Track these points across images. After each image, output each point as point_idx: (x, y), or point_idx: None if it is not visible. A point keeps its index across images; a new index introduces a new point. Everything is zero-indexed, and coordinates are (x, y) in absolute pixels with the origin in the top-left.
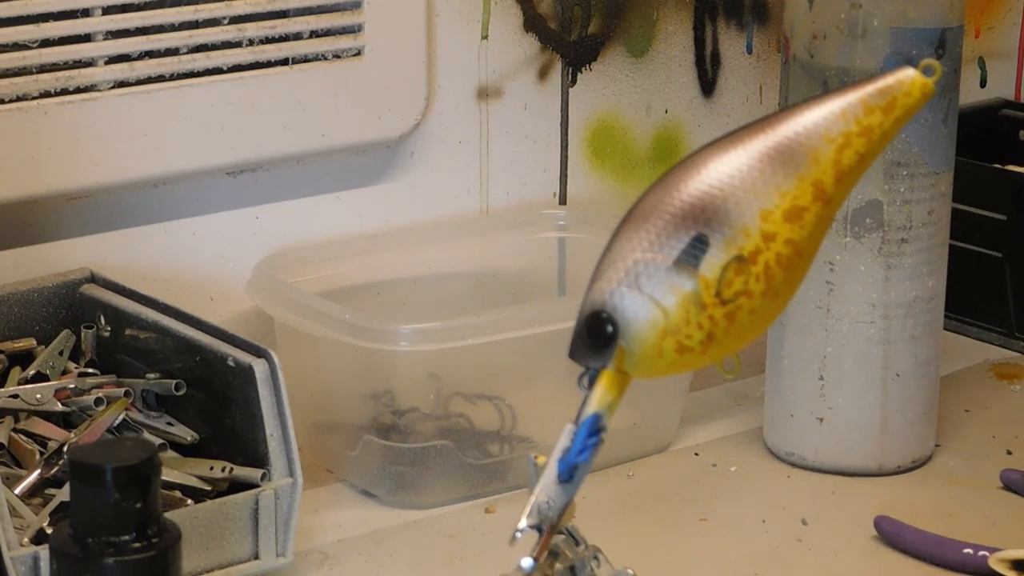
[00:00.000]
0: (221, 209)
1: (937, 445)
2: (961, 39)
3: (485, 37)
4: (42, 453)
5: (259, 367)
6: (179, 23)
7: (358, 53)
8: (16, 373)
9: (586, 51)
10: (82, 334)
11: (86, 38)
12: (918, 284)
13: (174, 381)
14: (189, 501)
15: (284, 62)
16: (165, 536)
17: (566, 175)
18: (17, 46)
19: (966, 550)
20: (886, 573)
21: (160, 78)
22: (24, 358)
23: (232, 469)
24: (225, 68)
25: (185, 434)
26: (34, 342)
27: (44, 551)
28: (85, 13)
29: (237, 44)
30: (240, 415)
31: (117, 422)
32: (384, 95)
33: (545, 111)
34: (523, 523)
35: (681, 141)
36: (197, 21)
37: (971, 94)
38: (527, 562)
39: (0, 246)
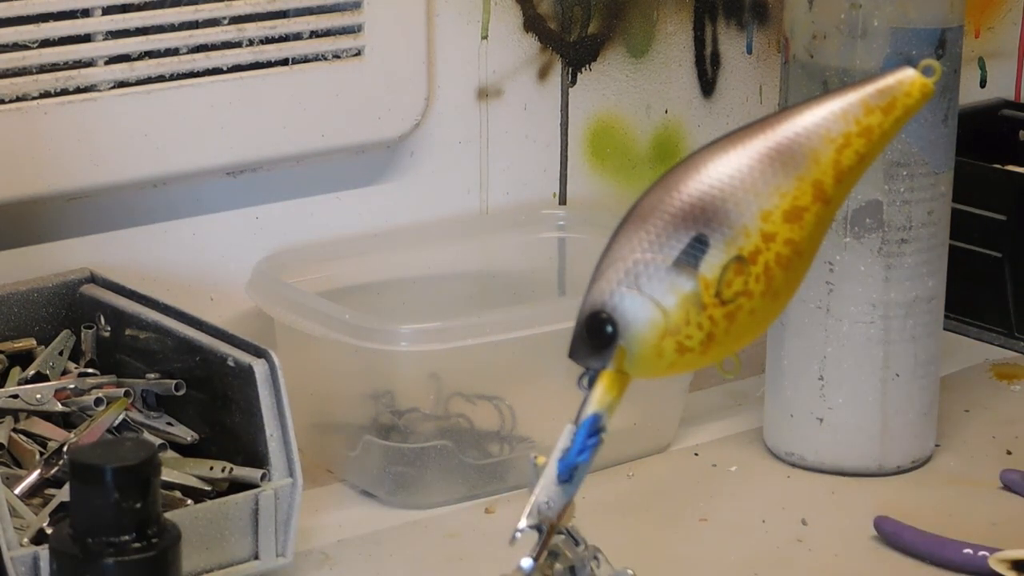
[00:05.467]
0: (221, 209)
1: (937, 445)
2: (961, 39)
3: (485, 37)
4: (42, 453)
5: (259, 367)
6: (179, 23)
7: (358, 53)
8: (16, 373)
9: (586, 51)
10: (82, 334)
11: (86, 38)
12: (918, 284)
13: (174, 381)
14: (189, 501)
15: (284, 62)
16: (165, 536)
17: (566, 175)
18: (17, 46)
19: (966, 550)
20: (886, 573)
21: (160, 78)
22: (24, 358)
23: (232, 469)
24: (225, 68)
25: (185, 434)
26: (34, 342)
27: (44, 551)
28: (85, 13)
29: (237, 44)
30: (240, 415)
31: (117, 422)
32: (384, 95)
33: (545, 111)
34: (523, 523)
35: (681, 141)
36: (197, 21)
37: (971, 94)
38: (527, 562)
39: (0, 246)
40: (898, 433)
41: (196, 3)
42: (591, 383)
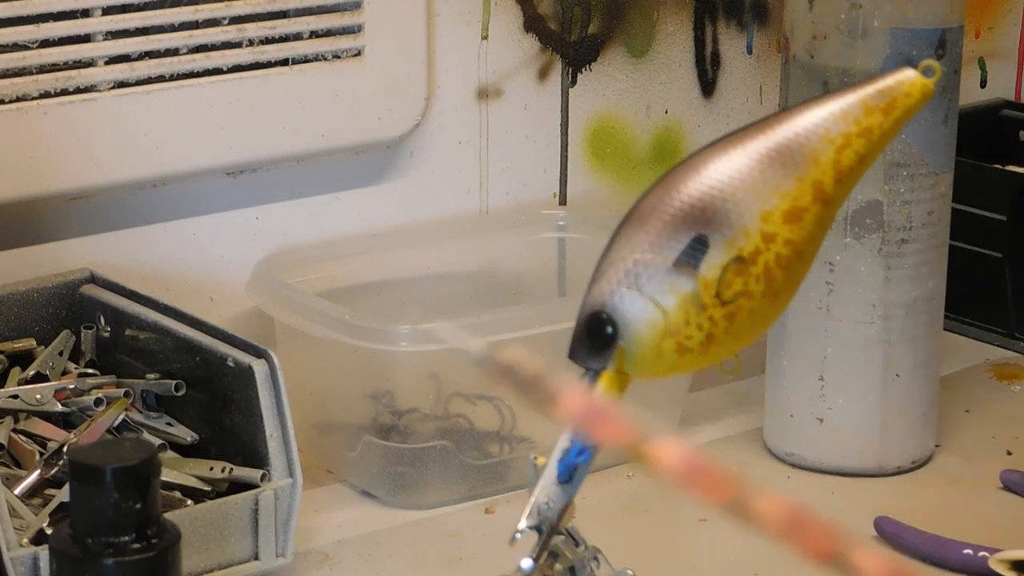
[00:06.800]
0: (221, 209)
1: (937, 445)
2: (961, 39)
3: (485, 37)
4: (42, 454)
5: (259, 367)
6: (179, 23)
7: (358, 53)
8: (16, 373)
9: (586, 51)
10: (82, 334)
11: (86, 38)
12: (918, 284)
13: (174, 381)
14: (189, 501)
15: (284, 62)
16: (165, 537)
17: (566, 175)
18: (17, 46)
19: (966, 550)
20: None
21: (160, 78)
22: (24, 358)
23: (232, 469)
24: (225, 68)
25: (185, 434)
26: (34, 342)
27: (44, 551)
28: (85, 13)
29: (237, 44)
30: (240, 415)
31: (117, 422)
32: (384, 95)
33: (545, 111)
34: (523, 524)
35: (681, 141)
36: (197, 21)
37: (971, 94)
38: (527, 563)
39: (0, 246)
40: (898, 433)
41: (196, 3)
42: (591, 384)
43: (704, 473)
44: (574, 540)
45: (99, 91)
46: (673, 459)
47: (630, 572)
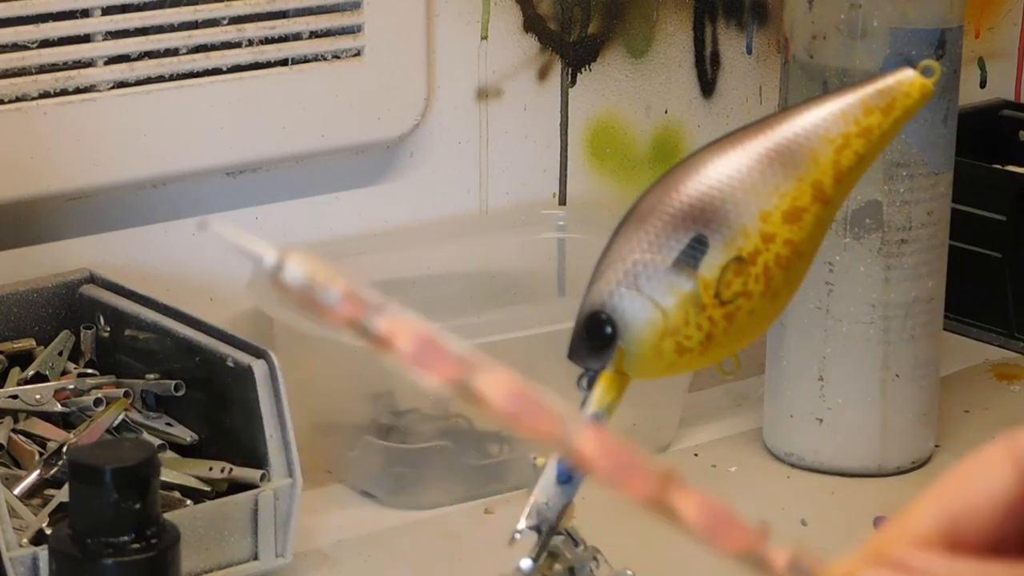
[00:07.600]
0: (221, 209)
1: (937, 446)
2: (961, 39)
3: (485, 37)
4: (41, 454)
5: (258, 368)
6: (179, 23)
7: (358, 53)
8: (15, 374)
9: (586, 51)
10: (81, 334)
11: (86, 38)
12: (917, 285)
13: (173, 382)
14: (188, 502)
15: (284, 62)
16: (164, 537)
17: (566, 175)
18: (17, 46)
19: None
20: None
21: (160, 78)
22: (23, 358)
23: (231, 470)
24: (225, 68)
25: (184, 435)
26: (33, 342)
27: (43, 552)
28: (85, 13)
29: (237, 44)
30: (239, 416)
31: (116, 423)
32: (384, 95)
33: (545, 111)
34: (522, 524)
35: (681, 141)
36: (197, 21)
37: (971, 94)
38: (526, 563)
39: (0, 246)
40: (898, 433)
41: (196, 3)
42: (590, 384)
43: (531, 404)
44: (573, 540)
45: (99, 91)
46: (500, 394)
47: (630, 572)
